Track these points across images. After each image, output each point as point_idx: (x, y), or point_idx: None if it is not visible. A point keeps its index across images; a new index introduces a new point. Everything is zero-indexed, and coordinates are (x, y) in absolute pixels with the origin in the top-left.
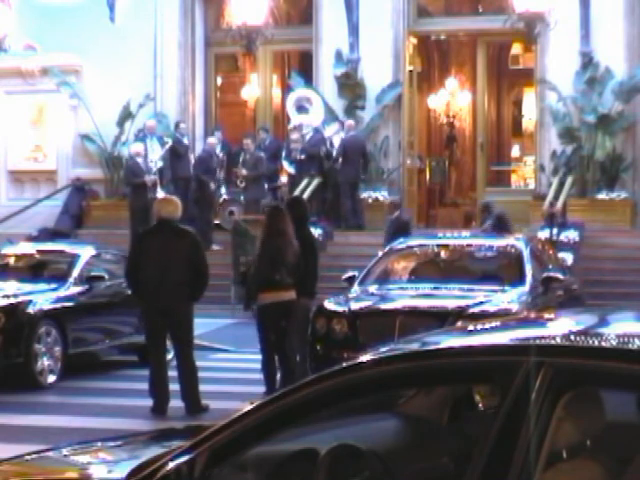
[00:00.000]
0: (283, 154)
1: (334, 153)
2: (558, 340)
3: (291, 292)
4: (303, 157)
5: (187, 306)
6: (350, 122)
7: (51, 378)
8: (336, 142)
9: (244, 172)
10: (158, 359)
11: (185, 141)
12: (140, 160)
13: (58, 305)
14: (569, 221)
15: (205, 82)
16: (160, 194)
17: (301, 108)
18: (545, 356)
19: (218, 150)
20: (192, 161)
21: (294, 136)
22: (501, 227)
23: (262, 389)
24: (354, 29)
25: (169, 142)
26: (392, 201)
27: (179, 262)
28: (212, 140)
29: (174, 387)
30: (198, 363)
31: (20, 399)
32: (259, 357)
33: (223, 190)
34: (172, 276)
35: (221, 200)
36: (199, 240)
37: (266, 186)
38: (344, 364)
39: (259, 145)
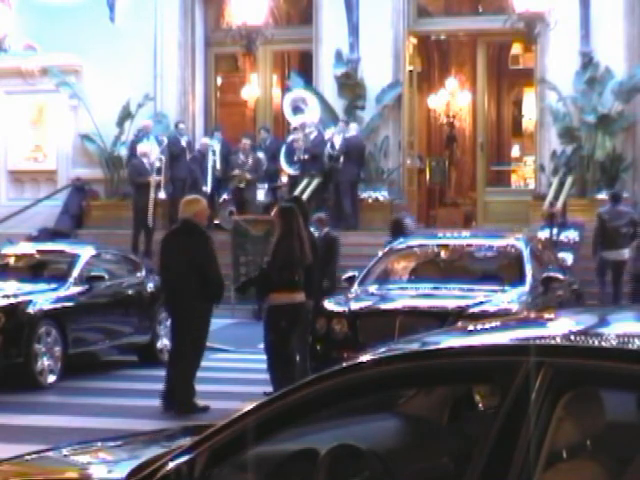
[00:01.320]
0: (282, 155)
1: (335, 153)
2: (558, 340)
3: (302, 294)
4: (306, 157)
5: (195, 307)
6: (352, 125)
7: (51, 378)
8: (336, 142)
9: (248, 176)
10: (170, 357)
11: (183, 142)
12: (145, 160)
13: (58, 305)
14: (569, 221)
15: (205, 82)
16: (161, 194)
17: (297, 109)
18: (545, 356)
19: (217, 150)
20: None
21: (297, 136)
22: (397, 232)
23: (262, 389)
24: (354, 29)
25: (165, 141)
26: (319, 218)
27: (189, 262)
28: (205, 140)
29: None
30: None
31: (20, 399)
32: (259, 357)
33: (208, 187)
34: (183, 276)
35: (221, 200)
36: (207, 241)
37: (266, 186)
38: (344, 364)
39: (260, 145)
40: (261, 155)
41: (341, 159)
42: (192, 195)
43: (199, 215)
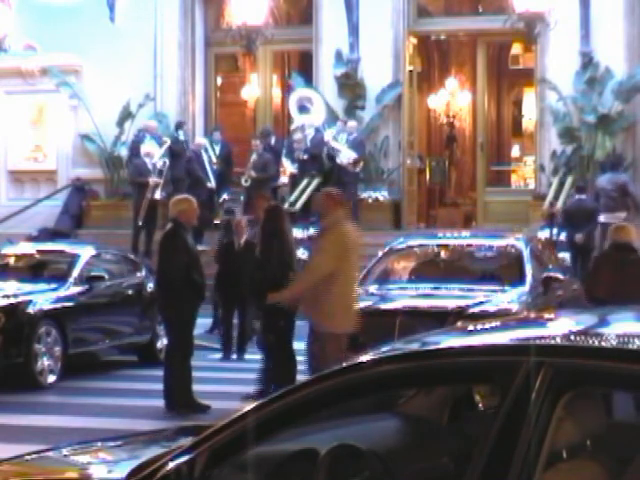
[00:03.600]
0: (284, 153)
1: (341, 153)
2: (558, 340)
3: None
4: (306, 157)
5: (168, 307)
6: (352, 123)
7: (51, 378)
8: (334, 143)
9: (253, 174)
10: (166, 357)
11: (184, 142)
12: (148, 160)
13: (58, 305)
14: None
15: (205, 82)
16: (157, 195)
17: (302, 108)
18: (545, 356)
19: (214, 149)
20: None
21: (297, 136)
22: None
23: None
24: (354, 29)
25: (167, 142)
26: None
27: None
28: (199, 140)
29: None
30: (198, 363)
31: (20, 399)
32: (259, 357)
33: (213, 183)
34: (173, 276)
35: (221, 200)
36: (163, 241)
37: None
38: (344, 364)
39: (265, 147)
40: (270, 157)
41: (361, 163)
42: (182, 195)
43: (183, 214)
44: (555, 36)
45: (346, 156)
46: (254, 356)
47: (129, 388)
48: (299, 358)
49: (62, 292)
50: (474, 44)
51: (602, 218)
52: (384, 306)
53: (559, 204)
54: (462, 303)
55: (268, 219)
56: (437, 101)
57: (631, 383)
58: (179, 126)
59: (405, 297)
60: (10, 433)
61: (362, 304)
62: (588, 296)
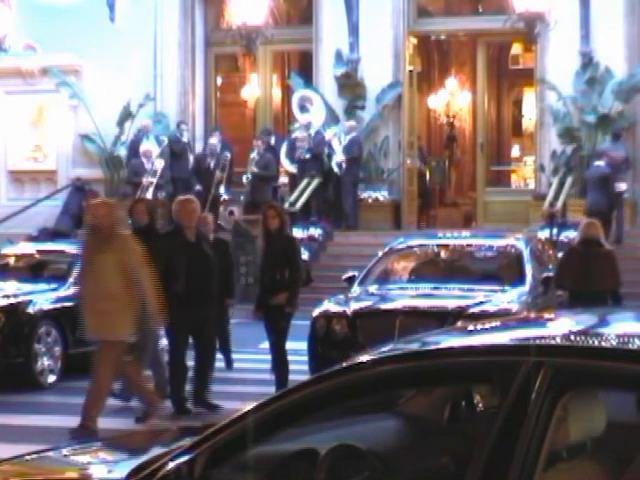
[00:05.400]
0: (283, 152)
1: (336, 154)
2: (558, 340)
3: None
4: (308, 156)
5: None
6: (351, 123)
7: (51, 378)
8: (334, 143)
9: (255, 169)
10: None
11: (184, 141)
12: (145, 160)
13: (58, 305)
14: (569, 221)
15: (205, 82)
16: (149, 195)
17: (303, 108)
18: (545, 356)
19: (218, 150)
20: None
21: (301, 135)
22: None
23: (262, 389)
24: (354, 29)
25: (165, 141)
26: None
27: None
28: (214, 141)
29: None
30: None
31: (20, 399)
32: (259, 357)
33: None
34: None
35: (221, 200)
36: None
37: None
38: (344, 364)
39: (265, 147)
40: (272, 157)
41: (344, 163)
42: (185, 195)
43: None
44: (555, 36)
45: (337, 159)
46: (250, 356)
47: None
48: (299, 358)
49: (62, 292)
50: (474, 44)
51: (622, 186)
52: (384, 306)
53: (559, 204)
54: (462, 303)
55: (280, 219)
56: (437, 101)
57: (631, 383)
58: (178, 126)
59: (405, 297)
60: (10, 433)
61: (362, 304)
62: (557, 284)
